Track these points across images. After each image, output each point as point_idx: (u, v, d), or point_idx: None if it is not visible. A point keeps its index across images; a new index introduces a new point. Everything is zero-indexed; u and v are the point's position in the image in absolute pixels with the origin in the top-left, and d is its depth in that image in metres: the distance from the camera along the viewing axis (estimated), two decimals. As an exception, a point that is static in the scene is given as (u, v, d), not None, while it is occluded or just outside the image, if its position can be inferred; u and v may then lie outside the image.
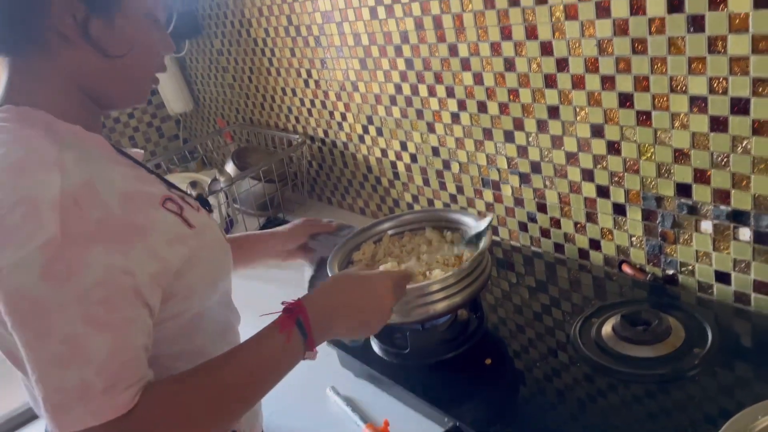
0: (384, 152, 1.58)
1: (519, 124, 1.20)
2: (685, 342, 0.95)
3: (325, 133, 1.75)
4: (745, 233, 0.97)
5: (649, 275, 1.13)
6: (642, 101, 1.00)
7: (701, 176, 0.98)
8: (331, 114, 1.68)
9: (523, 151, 1.23)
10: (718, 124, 0.92)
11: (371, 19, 1.38)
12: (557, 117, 1.13)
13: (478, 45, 1.19)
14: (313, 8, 1.53)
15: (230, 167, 1.85)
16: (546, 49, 1.08)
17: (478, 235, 1.01)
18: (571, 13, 1.02)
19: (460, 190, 1.42)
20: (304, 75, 1.70)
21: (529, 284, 1.26)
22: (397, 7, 1.30)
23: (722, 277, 1.04)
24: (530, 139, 1.20)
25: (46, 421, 0.58)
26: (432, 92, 1.34)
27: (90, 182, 0.62)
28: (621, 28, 0.97)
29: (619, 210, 1.13)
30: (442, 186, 1.46)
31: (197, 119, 2.42)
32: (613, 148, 1.08)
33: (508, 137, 1.24)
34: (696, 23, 0.88)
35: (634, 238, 1.14)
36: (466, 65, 1.23)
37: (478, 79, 1.22)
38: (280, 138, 1.91)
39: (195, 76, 2.25)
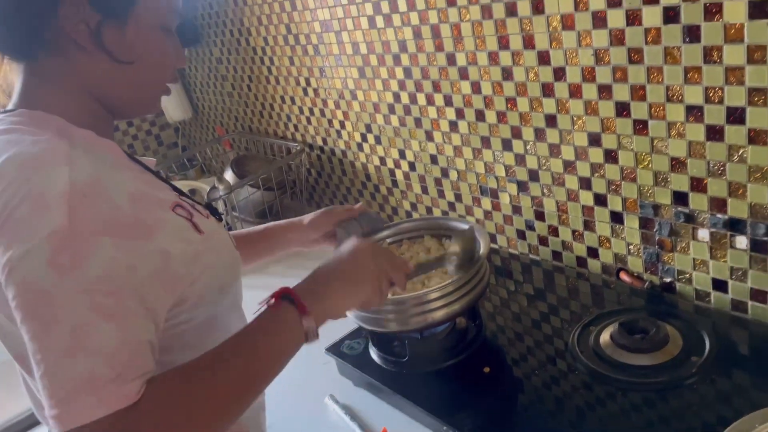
0: (382, 160, 1.58)
1: (517, 133, 1.21)
2: (683, 350, 0.95)
3: (324, 141, 1.76)
4: (742, 241, 0.97)
5: (647, 283, 1.13)
6: (639, 110, 1.00)
7: (698, 185, 0.99)
8: (330, 122, 1.69)
9: (520, 159, 1.23)
10: (715, 133, 0.93)
11: (370, 29, 1.39)
12: (555, 126, 1.14)
13: (475, 54, 1.20)
14: (312, 17, 1.54)
15: (229, 175, 1.85)
16: (543, 58, 1.09)
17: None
18: (568, 23, 1.03)
19: (458, 197, 1.43)
20: (303, 83, 1.71)
21: (528, 292, 1.26)
22: (395, 17, 1.31)
23: (719, 285, 1.04)
24: (528, 147, 1.21)
25: (49, 422, 0.57)
26: (430, 101, 1.35)
27: (99, 179, 0.62)
28: (617, 38, 0.97)
29: (616, 218, 1.13)
30: (441, 194, 1.47)
31: (196, 127, 2.43)
32: (611, 156, 1.08)
33: (506, 145, 1.25)
34: (692, 33, 0.89)
35: (631, 246, 1.14)
36: (464, 74, 1.24)
37: (476, 87, 1.23)
38: (279, 146, 1.91)
39: (194, 84, 2.26)
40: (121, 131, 2.40)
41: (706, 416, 0.85)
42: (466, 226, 1.06)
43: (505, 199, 1.32)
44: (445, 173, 1.42)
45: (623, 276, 1.17)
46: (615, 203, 1.12)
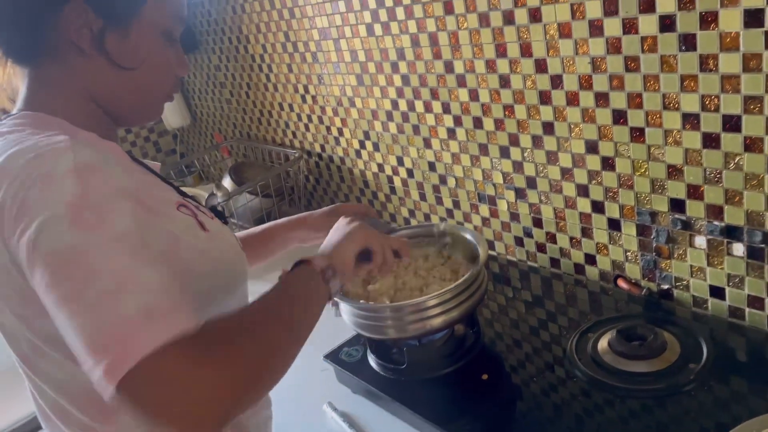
0: (381, 167, 1.59)
1: (514, 140, 1.22)
2: (681, 357, 0.95)
3: (322, 147, 1.76)
4: (739, 248, 0.98)
5: (645, 290, 1.14)
6: (635, 118, 1.01)
7: (695, 192, 0.99)
8: (328, 129, 1.69)
9: (518, 166, 1.24)
10: (711, 141, 0.94)
11: (368, 36, 1.39)
12: (552, 133, 1.14)
13: (473, 62, 1.20)
14: (310, 25, 1.54)
15: (227, 182, 1.85)
16: (540, 66, 1.09)
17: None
18: (564, 32, 1.03)
19: (456, 204, 1.43)
20: (302, 90, 1.71)
21: (526, 299, 1.26)
22: (393, 25, 1.32)
23: (717, 292, 1.04)
24: (525, 154, 1.21)
25: (99, 381, 0.51)
26: (428, 108, 1.35)
27: (103, 163, 0.62)
28: (614, 47, 0.98)
29: (614, 225, 1.14)
30: (439, 201, 1.47)
31: (194, 134, 2.43)
32: (608, 164, 1.09)
33: (504, 153, 1.25)
34: (687, 42, 0.90)
35: (629, 253, 1.14)
36: (461, 82, 1.25)
37: (474, 95, 1.24)
38: (277, 153, 1.92)
39: (192, 91, 2.27)
40: (120, 138, 2.38)
41: (704, 423, 0.85)
42: (468, 235, 1.07)
43: (503, 206, 1.32)
44: (443, 180, 1.43)
45: (621, 283, 1.17)
46: (612, 210, 1.12)
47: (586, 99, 1.06)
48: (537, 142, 1.18)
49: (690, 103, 0.93)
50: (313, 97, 1.68)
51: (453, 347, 1.07)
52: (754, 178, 0.91)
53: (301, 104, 1.74)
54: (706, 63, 0.89)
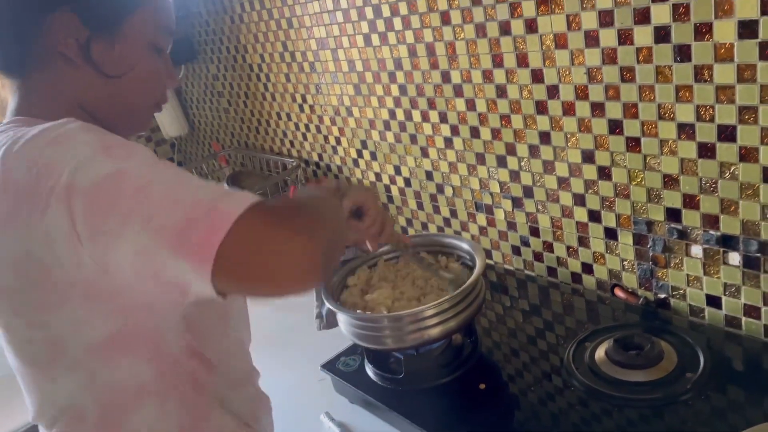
0: (378, 176, 1.59)
1: (511, 149, 1.22)
2: (678, 366, 0.95)
3: (320, 156, 1.77)
4: (735, 258, 0.98)
5: (642, 299, 1.14)
6: (631, 128, 1.01)
7: (690, 201, 1.00)
8: (326, 138, 1.70)
9: (515, 175, 1.24)
10: (706, 151, 0.94)
11: (365, 46, 1.40)
12: (549, 143, 1.15)
13: (470, 72, 1.21)
14: (308, 35, 1.55)
15: (225, 191, 1.85)
16: (537, 76, 1.10)
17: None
18: (560, 42, 1.04)
19: (453, 213, 1.43)
20: (299, 100, 1.72)
21: (523, 308, 1.26)
22: (390, 35, 1.33)
23: (713, 301, 1.05)
24: (522, 164, 1.22)
25: (190, 262, 0.53)
26: (425, 117, 1.36)
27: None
28: (610, 57, 0.99)
29: (610, 234, 1.14)
30: (436, 210, 1.47)
31: (192, 143, 2.44)
32: (604, 173, 1.09)
33: (501, 162, 1.25)
34: (682, 53, 0.90)
35: (626, 263, 1.15)
36: (458, 91, 1.25)
37: (471, 105, 1.24)
38: (275, 162, 1.92)
39: (190, 100, 2.27)
40: (117, 147, 2.40)
41: (702, 433, 0.85)
42: (465, 245, 1.07)
43: (500, 215, 1.33)
44: (440, 189, 1.43)
45: (618, 292, 1.17)
46: (609, 219, 1.13)
47: (582, 109, 1.06)
48: (534, 151, 1.18)
49: (685, 113, 0.94)
50: (311, 107, 1.69)
51: (450, 357, 1.07)
52: (750, 188, 0.92)
53: (299, 113, 1.75)
54: (701, 74, 0.90)
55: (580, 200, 1.16)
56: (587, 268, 1.22)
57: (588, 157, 1.10)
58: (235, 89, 1.97)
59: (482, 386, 1.02)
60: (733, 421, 0.85)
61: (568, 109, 1.08)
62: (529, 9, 1.05)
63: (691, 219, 1.01)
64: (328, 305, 1.01)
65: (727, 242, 0.98)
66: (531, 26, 1.07)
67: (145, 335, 0.67)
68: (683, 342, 1.00)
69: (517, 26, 1.09)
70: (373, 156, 1.57)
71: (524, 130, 1.18)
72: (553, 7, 1.02)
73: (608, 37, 0.97)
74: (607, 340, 1.02)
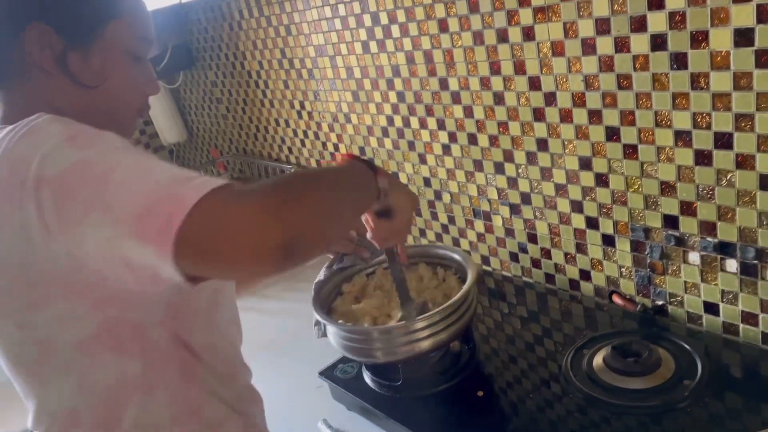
0: (376, 183, 1.59)
1: (509, 156, 1.22)
2: (676, 373, 0.95)
3: (318, 163, 1.77)
4: (732, 265, 0.98)
5: (639, 306, 1.14)
6: (628, 135, 1.02)
7: (688, 208, 1.00)
8: (324, 144, 1.70)
9: (513, 182, 1.25)
10: (703, 158, 0.94)
11: (363, 53, 1.41)
12: (546, 149, 1.15)
13: (468, 79, 1.21)
14: (306, 42, 1.56)
15: (223, 197, 1.85)
16: (534, 83, 1.11)
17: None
18: (558, 50, 1.04)
19: (451, 220, 1.44)
20: (298, 106, 1.72)
21: (521, 314, 1.26)
22: (388, 42, 1.33)
23: (711, 308, 1.05)
24: (520, 170, 1.22)
25: (151, 246, 0.53)
26: (423, 124, 1.36)
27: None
28: (606, 65, 0.99)
29: (608, 241, 1.14)
30: (434, 216, 1.48)
31: (191, 149, 2.44)
32: (601, 180, 1.09)
33: (498, 169, 1.26)
34: (679, 60, 0.91)
35: (623, 269, 1.15)
36: (456, 98, 1.26)
37: (468, 112, 1.25)
38: (273, 168, 1.92)
39: (189, 106, 2.27)
40: (116, 153, 2.40)
41: (700, 440, 0.85)
42: (457, 256, 1.07)
43: (497, 221, 1.33)
44: (438, 196, 1.43)
45: (616, 299, 1.17)
46: (606, 226, 1.13)
47: (580, 116, 1.07)
48: (531, 158, 1.18)
49: (682, 120, 0.94)
50: (309, 113, 1.69)
51: (448, 364, 1.07)
52: (746, 195, 0.92)
53: (297, 120, 1.75)
54: (697, 81, 0.90)
55: (577, 207, 1.16)
56: (585, 275, 1.22)
57: (585, 164, 1.10)
58: (234, 96, 1.97)
59: (480, 393, 1.01)
60: (731, 429, 0.85)
61: (566, 117, 1.09)
62: (526, 17, 1.06)
63: (688, 226, 1.01)
64: (316, 316, 1.01)
65: (725, 249, 0.98)
66: (528, 34, 1.07)
67: (129, 328, 0.67)
68: (681, 349, 1.00)
69: (515, 34, 1.09)
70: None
71: (522, 137, 1.18)
72: (550, 15, 1.03)
73: (605, 45, 0.98)
74: (605, 347, 1.02)
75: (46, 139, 0.59)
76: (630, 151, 1.03)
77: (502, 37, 1.11)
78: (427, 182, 1.44)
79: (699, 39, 0.87)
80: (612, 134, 1.04)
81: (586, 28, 0.99)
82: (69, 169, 0.57)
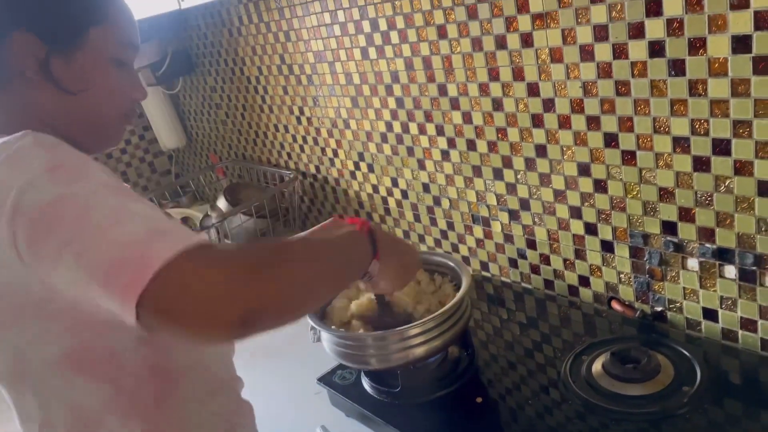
0: (375, 188, 1.59)
1: (508, 162, 1.22)
2: (675, 380, 0.95)
3: (317, 168, 1.77)
4: (731, 271, 0.98)
5: (638, 312, 1.14)
6: (627, 141, 1.02)
7: (686, 214, 1.00)
8: (323, 150, 1.70)
9: (511, 188, 1.25)
10: (701, 164, 0.95)
11: (362, 59, 1.41)
12: (545, 155, 1.15)
13: (466, 85, 1.21)
14: (305, 48, 1.56)
15: (222, 203, 1.86)
16: (533, 90, 1.11)
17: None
18: (556, 56, 1.05)
19: (450, 226, 1.44)
20: (297, 112, 1.72)
21: (520, 320, 1.26)
22: (387, 48, 1.33)
23: (710, 314, 1.05)
24: (519, 176, 1.22)
25: (120, 301, 0.52)
26: (422, 130, 1.36)
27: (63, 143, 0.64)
28: (605, 71, 0.99)
29: (607, 247, 1.14)
30: (433, 222, 1.48)
31: (190, 155, 2.44)
32: (600, 186, 1.09)
33: (497, 175, 1.26)
34: (677, 67, 0.91)
35: (622, 275, 1.15)
36: (455, 104, 1.26)
37: (467, 118, 1.25)
38: (272, 173, 1.92)
39: (188, 112, 2.28)
40: (115, 158, 2.40)
41: (699, 447, 0.85)
42: (451, 263, 1.07)
43: (496, 227, 1.33)
44: (437, 201, 1.43)
45: (615, 305, 1.17)
46: (605, 232, 1.13)
47: (578, 122, 1.07)
48: (530, 164, 1.19)
49: (680, 126, 0.94)
50: (308, 119, 1.69)
51: (447, 370, 1.07)
52: (745, 201, 0.92)
53: (296, 125, 1.75)
54: (695, 88, 0.90)
55: (576, 213, 1.16)
56: (584, 281, 1.22)
57: (584, 170, 1.10)
58: (233, 101, 1.98)
59: (479, 400, 1.01)
60: (730, 435, 0.85)
61: (564, 123, 1.09)
62: (524, 23, 1.06)
63: (686, 232, 1.01)
64: (311, 322, 1.01)
65: (723, 255, 0.98)
66: (527, 40, 1.07)
67: (100, 354, 0.67)
68: (680, 355, 1.00)
69: (513, 40, 1.09)
70: (370, 168, 1.57)
71: (520, 143, 1.18)
72: (549, 21, 1.03)
73: (603, 52, 0.98)
74: (604, 354, 1.02)
75: (27, 168, 0.58)
76: (628, 158, 1.03)
77: (501, 43, 1.11)
78: (426, 188, 1.44)
79: (697, 46, 0.88)
80: (610, 140, 1.04)
81: (584, 35, 0.99)
82: (46, 205, 0.56)
